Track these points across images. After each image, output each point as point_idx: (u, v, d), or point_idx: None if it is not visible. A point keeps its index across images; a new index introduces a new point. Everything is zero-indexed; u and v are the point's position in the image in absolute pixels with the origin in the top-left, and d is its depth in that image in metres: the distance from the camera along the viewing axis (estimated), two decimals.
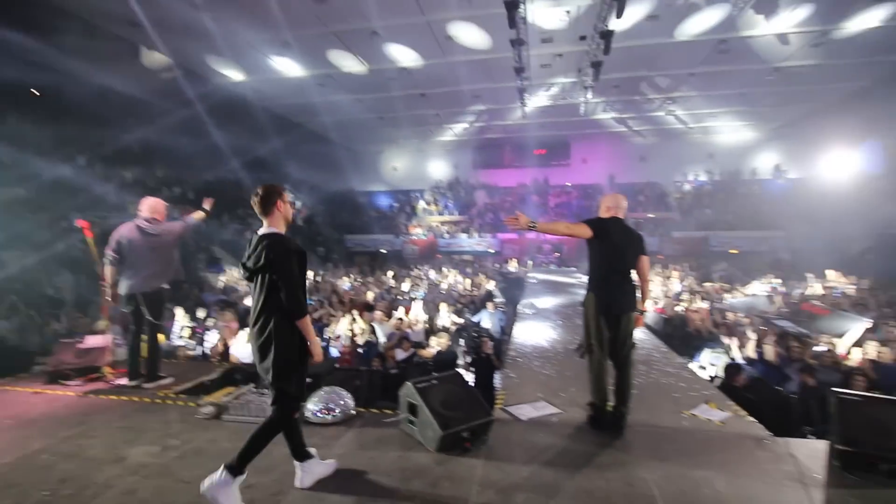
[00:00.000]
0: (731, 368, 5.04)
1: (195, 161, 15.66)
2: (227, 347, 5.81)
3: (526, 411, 3.51)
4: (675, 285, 11.40)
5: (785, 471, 2.67)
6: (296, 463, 2.51)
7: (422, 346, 6.42)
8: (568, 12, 10.54)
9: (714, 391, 4.24)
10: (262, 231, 2.44)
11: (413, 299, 9.14)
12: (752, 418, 3.49)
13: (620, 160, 23.19)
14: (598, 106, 17.44)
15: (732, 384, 4.74)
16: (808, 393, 4.63)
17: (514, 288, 12.70)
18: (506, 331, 7.96)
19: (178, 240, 4.19)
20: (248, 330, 5.93)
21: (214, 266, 13.87)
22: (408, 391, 2.97)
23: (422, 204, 23.97)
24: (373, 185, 25.56)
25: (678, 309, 8.48)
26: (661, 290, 10.57)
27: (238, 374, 4.51)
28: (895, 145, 16.05)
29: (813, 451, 2.87)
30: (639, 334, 6.30)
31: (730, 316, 7.82)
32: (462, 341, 7.38)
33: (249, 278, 2.42)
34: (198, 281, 11.55)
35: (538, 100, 16.42)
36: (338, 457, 2.74)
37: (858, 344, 5.53)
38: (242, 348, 5.55)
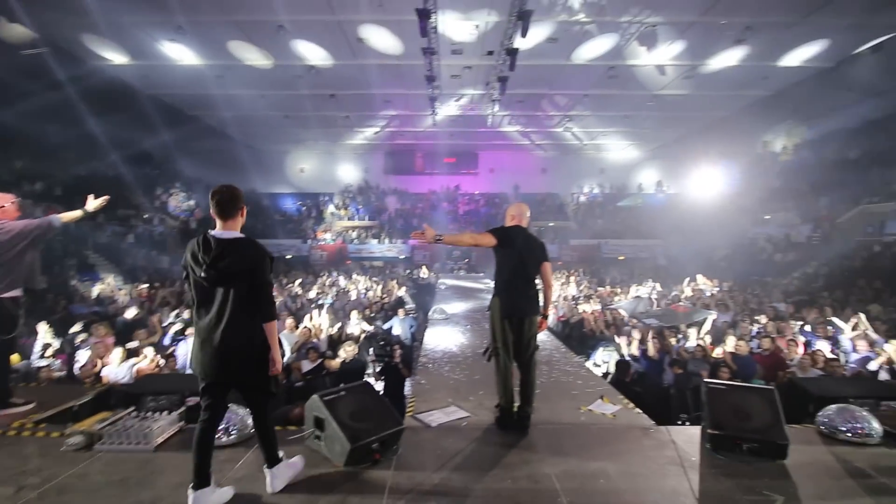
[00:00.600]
0: (621, 365, 5.53)
1: (64, 152, 13.67)
2: (100, 367, 5.09)
3: (436, 417, 3.52)
4: (573, 289, 12.25)
5: (667, 456, 2.96)
6: (266, 469, 2.45)
7: (329, 355, 6.17)
8: (477, 27, 10.94)
9: (607, 387, 4.60)
10: (222, 234, 2.30)
11: (319, 306, 8.77)
12: (638, 410, 3.84)
13: (524, 171, 24.53)
14: (505, 119, 18.29)
15: (622, 379, 5.20)
16: (682, 383, 5.21)
17: (425, 294, 12.77)
18: (417, 337, 7.97)
19: (28, 241, 3.42)
20: (122, 347, 5.31)
21: (88, 273, 12.13)
22: (314, 405, 2.81)
23: (331, 208, 23.27)
24: (278, 186, 24.27)
25: (577, 309, 9.11)
26: (560, 294, 11.28)
27: (114, 397, 3.95)
28: (747, 166, 18.90)
29: (689, 437, 3.21)
30: (542, 336, 6.69)
31: (618, 317, 8.57)
32: (372, 350, 7.24)
33: (214, 283, 2.25)
34: (66, 291, 10.01)
35: (448, 109, 16.80)
36: (236, 481, 2.51)
37: (723, 340, 6.33)
38: (119, 367, 4.90)
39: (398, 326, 8.07)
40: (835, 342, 6.47)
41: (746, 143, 18.78)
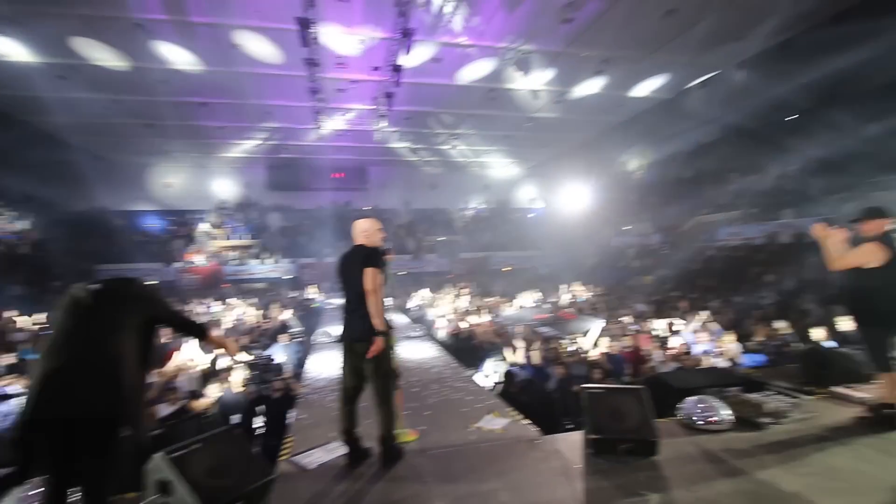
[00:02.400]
0: (509, 375, 5.64)
1: None
2: None
3: (317, 457, 3.18)
4: (464, 302, 12.49)
5: (553, 467, 3.00)
6: None
7: (196, 395, 5.40)
8: (362, 41, 10.79)
9: (495, 400, 4.62)
10: None
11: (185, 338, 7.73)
12: (526, 421, 3.88)
13: (414, 187, 24.76)
14: (394, 135, 18.29)
15: (511, 390, 5.29)
16: (564, 388, 5.47)
17: (313, 316, 12.06)
18: (303, 364, 7.39)
19: None
20: None
21: None
22: (156, 466, 2.32)
23: (204, 227, 21.07)
24: (137, 203, 21.36)
25: (465, 323, 9.24)
26: (451, 307, 11.41)
27: None
28: (609, 183, 21.21)
29: (573, 443, 3.30)
30: (433, 353, 6.63)
31: (506, 326, 8.87)
32: (250, 382, 6.52)
33: None
34: None
35: (335, 123, 16.30)
36: None
37: (596, 342, 6.83)
38: None
39: (281, 354, 7.41)
40: (682, 336, 7.36)
41: (607, 162, 21.11)
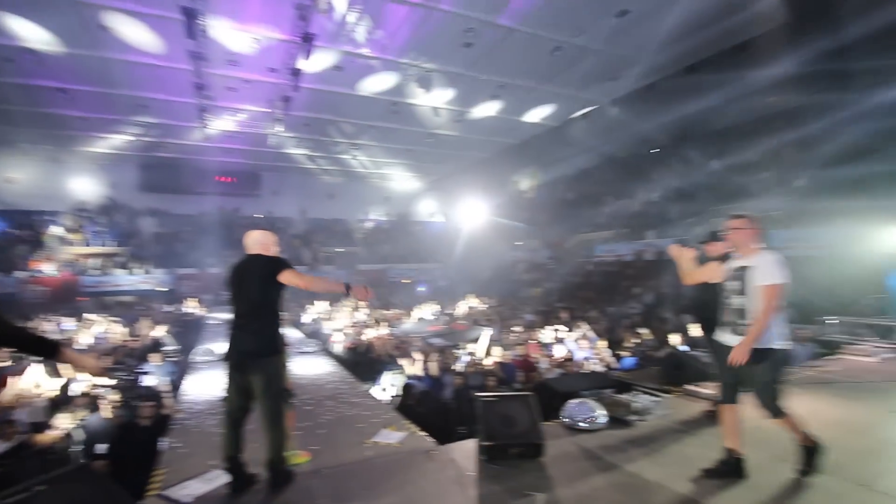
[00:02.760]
0: (407, 387, 5.64)
1: None
2: None
3: (193, 488, 2.87)
4: (362, 315, 12.26)
5: (448, 476, 3.05)
6: None
7: (40, 427, 4.57)
8: (257, 40, 10.22)
9: (393, 413, 4.58)
10: None
11: (31, 360, 6.53)
12: (422, 432, 3.90)
13: (311, 196, 23.89)
14: (290, 140, 17.50)
15: (408, 402, 5.29)
16: (460, 397, 5.61)
17: (193, 332, 10.93)
18: (178, 386, 6.63)
19: None
20: None
21: None
22: None
23: (56, 230, 18.06)
24: None
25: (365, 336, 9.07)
26: (348, 320, 11.13)
27: None
28: (504, 201, 22.48)
29: (467, 451, 3.39)
30: (328, 369, 6.39)
31: (405, 339, 8.88)
32: (115, 408, 5.68)
33: None
34: None
35: (224, 123, 15.14)
36: None
37: (489, 351, 7.13)
38: None
39: (152, 376, 6.58)
40: (565, 344, 8.01)
41: (502, 181, 22.40)
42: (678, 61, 12.23)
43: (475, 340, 7.80)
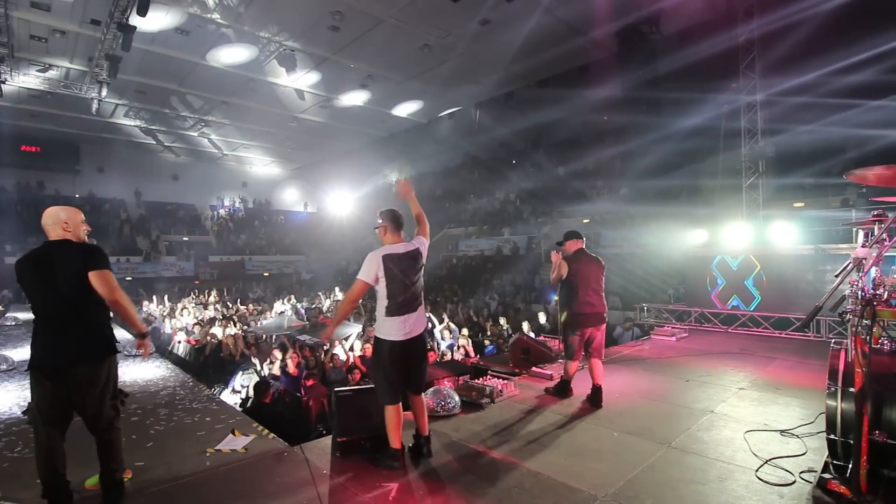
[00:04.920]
0: (260, 386, 5.23)
1: None
2: None
3: None
4: (211, 311, 11.08)
5: (300, 477, 2.89)
6: None
7: None
8: None
9: (241, 416, 4.21)
10: None
11: None
12: (272, 435, 3.65)
13: (149, 175, 20.84)
14: (120, 109, 14.96)
15: (262, 401, 4.92)
16: (317, 394, 5.42)
17: None
18: None
19: None
20: None
21: None
22: None
23: None
24: None
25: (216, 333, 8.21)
26: (193, 318, 9.98)
27: None
28: (373, 192, 22.26)
29: (322, 450, 3.26)
30: (163, 373, 5.59)
31: (261, 337, 8.26)
32: None
33: None
34: None
35: (28, 80, 12.31)
36: None
37: (352, 346, 7.01)
38: None
39: None
40: (430, 335, 8.29)
41: (372, 173, 22.18)
42: (532, 74, 13.41)
43: (346, 337, 7.58)
